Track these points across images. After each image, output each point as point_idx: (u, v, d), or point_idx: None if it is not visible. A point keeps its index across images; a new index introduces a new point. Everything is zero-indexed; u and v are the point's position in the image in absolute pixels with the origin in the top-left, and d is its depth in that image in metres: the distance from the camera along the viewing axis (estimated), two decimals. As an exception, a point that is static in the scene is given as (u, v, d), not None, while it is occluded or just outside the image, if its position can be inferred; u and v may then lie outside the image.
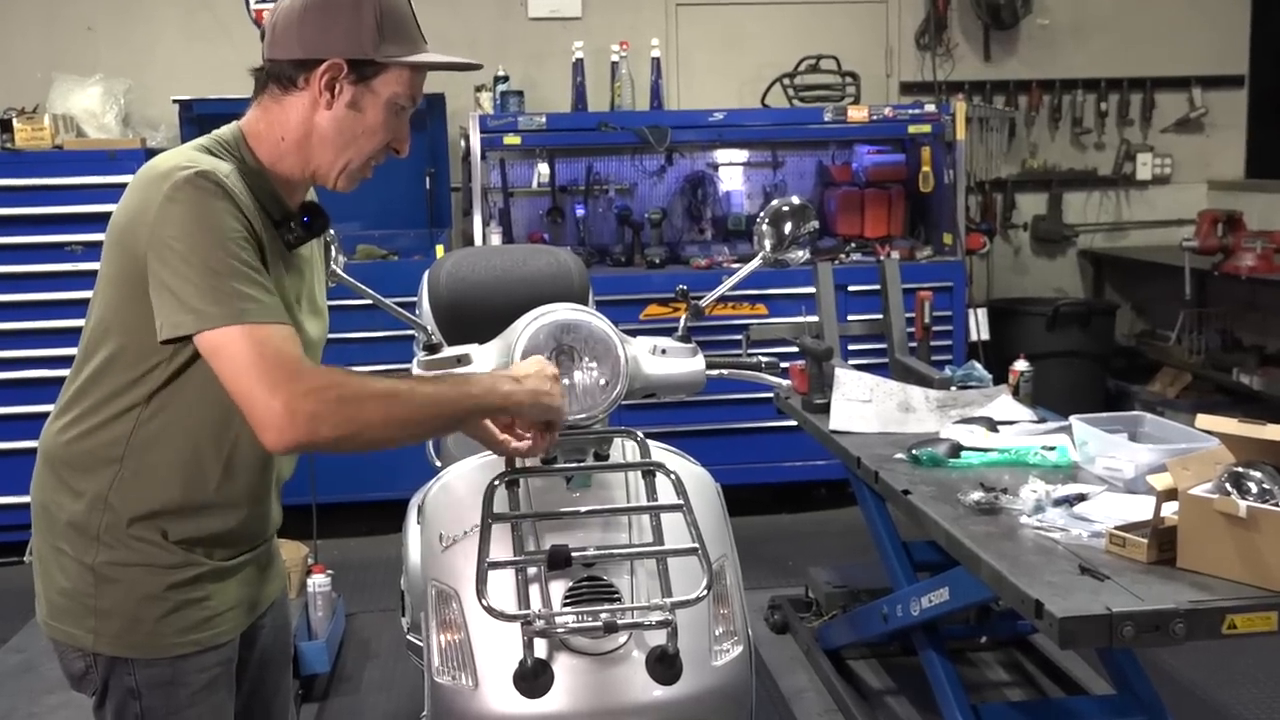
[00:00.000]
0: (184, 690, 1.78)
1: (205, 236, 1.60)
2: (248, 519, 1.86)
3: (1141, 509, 2.38)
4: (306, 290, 1.87)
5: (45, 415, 1.84)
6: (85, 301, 1.78)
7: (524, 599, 1.85)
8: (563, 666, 1.85)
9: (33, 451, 1.85)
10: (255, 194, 1.72)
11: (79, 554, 1.76)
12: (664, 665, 1.84)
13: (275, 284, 1.70)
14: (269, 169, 1.77)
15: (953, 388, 3.57)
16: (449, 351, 2.21)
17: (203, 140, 1.77)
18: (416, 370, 2.18)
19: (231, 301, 1.59)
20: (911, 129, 5.53)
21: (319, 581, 3.89)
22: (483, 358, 2.16)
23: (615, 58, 5.68)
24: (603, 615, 1.82)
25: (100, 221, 5.23)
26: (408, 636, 2.67)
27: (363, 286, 2.31)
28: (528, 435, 1.94)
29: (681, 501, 1.97)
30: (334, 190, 1.82)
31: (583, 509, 2.02)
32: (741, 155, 6.00)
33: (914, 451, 2.97)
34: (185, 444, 1.74)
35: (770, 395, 3.96)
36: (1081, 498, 2.55)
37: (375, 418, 1.63)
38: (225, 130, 1.80)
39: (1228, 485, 2.14)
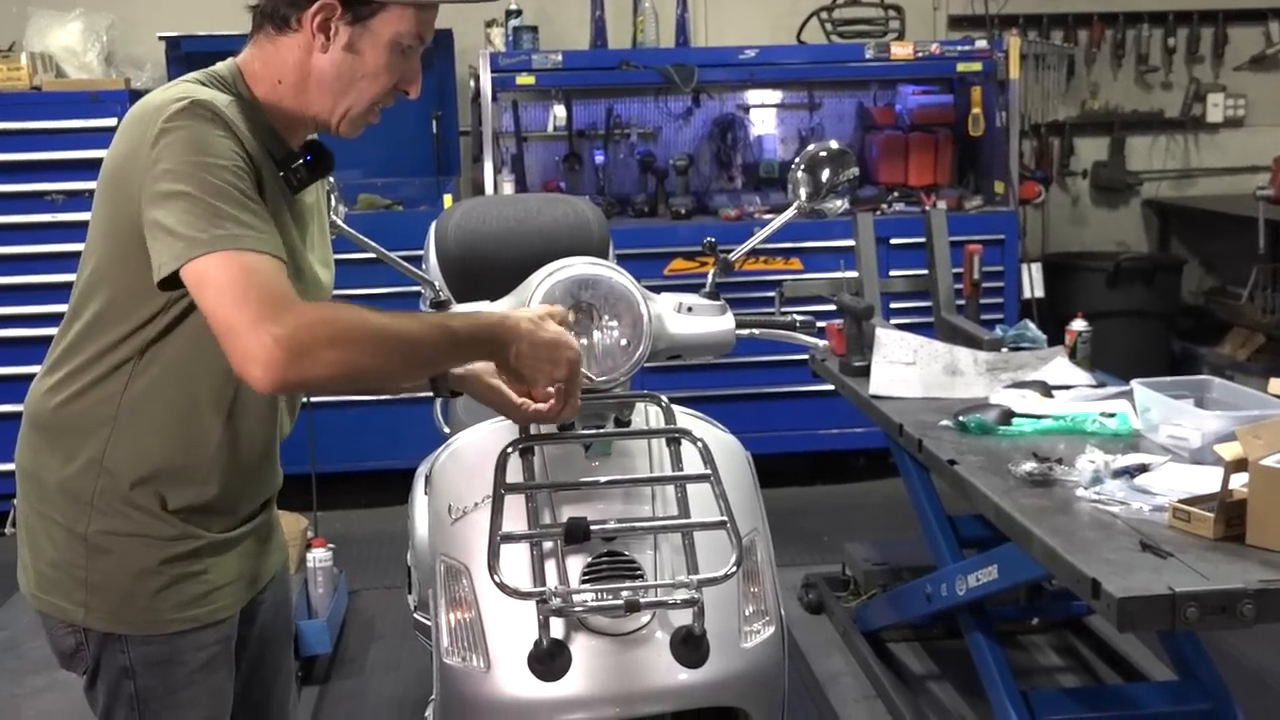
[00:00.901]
0: (181, 669, 1.80)
1: (200, 162, 1.60)
2: (249, 483, 1.88)
3: (1208, 481, 2.37)
4: (311, 237, 1.87)
5: (29, 377, 1.86)
6: (67, 255, 1.80)
7: (539, 575, 1.86)
8: (581, 648, 1.87)
9: (16, 416, 1.87)
10: (255, 130, 1.72)
11: (70, 522, 1.77)
12: (689, 647, 1.84)
13: (277, 224, 1.70)
14: (268, 107, 1.77)
15: (1004, 349, 3.55)
16: (458, 309, 2.21)
17: (197, 74, 1.78)
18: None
19: (225, 226, 1.58)
20: (960, 67, 5.48)
21: (319, 556, 3.92)
22: (494, 316, 2.16)
23: (638, -10, 5.65)
24: (624, 593, 1.83)
25: (82, 168, 5.25)
26: (414, 615, 2.69)
27: (364, 239, 2.31)
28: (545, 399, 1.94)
29: (709, 471, 1.98)
30: (337, 136, 1.82)
31: (602, 479, 2.03)
32: (775, 96, 5.96)
33: (961, 418, 2.96)
34: (182, 399, 1.76)
35: (805, 357, 3.95)
36: (1143, 469, 2.55)
37: (371, 350, 1.61)
38: (221, 66, 1.80)
39: (1303, 455, 2.13)
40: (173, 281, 1.61)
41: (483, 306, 2.17)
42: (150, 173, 1.61)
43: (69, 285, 1.82)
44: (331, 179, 2.04)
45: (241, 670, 1.96)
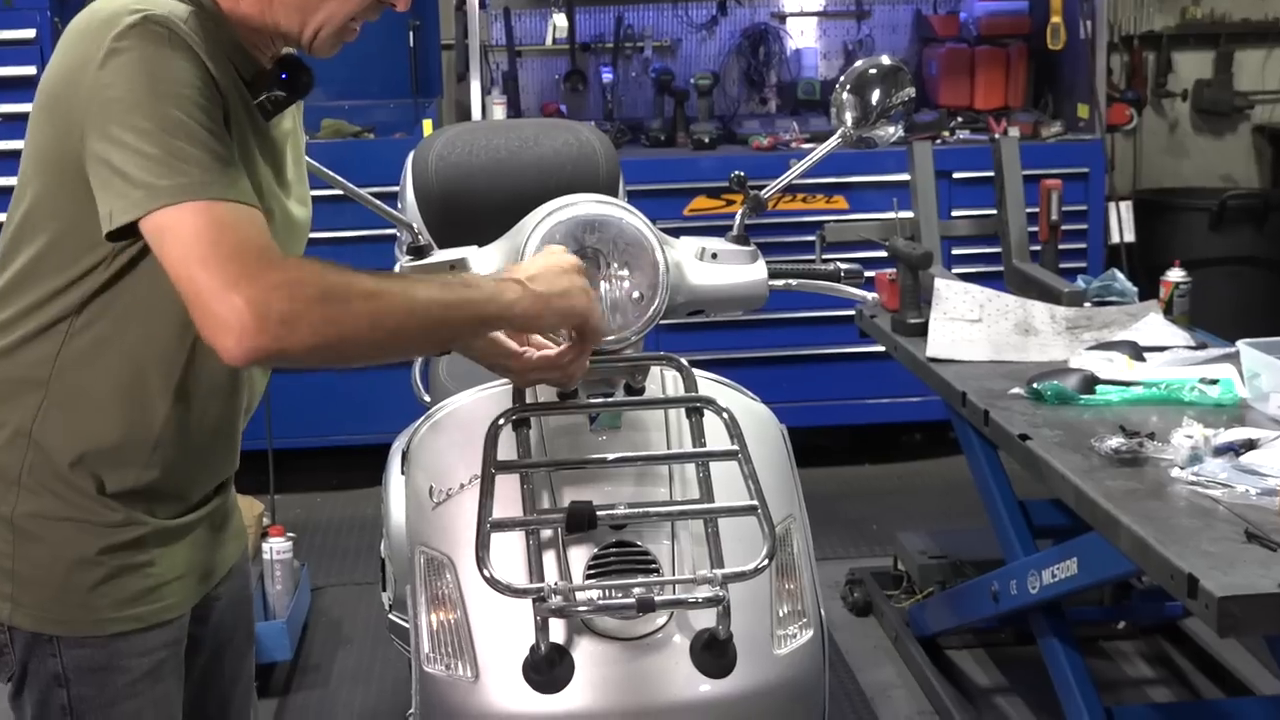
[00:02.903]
0: (122, 677, 1.81)
1: (158, 93, 1.59)
2: (202, 465, 1.89)
3: (1328, 460, 2.37)
4: (285, 171, 1.88)
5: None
6: (-2, 190, 1.79)
7: (536, 569, 1.86)
8: (585, 654, 1.88)
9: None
10: (220, 47, 1.71)
11: None
12: (713, 654, 1.85)
13: (245, 160, 1.70)
14: (233, 20, 1.76)
15: (1086, 304, 3.55)
16: (440, 256, 2.21)
17: None
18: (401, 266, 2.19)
19: (189, 171, 1.58)
20: (1038, -33, 5.45)
21: (277, 547, 3.94)
22: (483, 264, 2.16)
23: (652, -125, 5.63)
24: (635, 590, 1.83)
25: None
26: (389, 616, 2.71)
27: (328, 172, 2.31)
28: (553, 345, 1.95)
29: (736, 447, 1.98)
30: (311, 55, 1.81)
31: (610, 456, 2.03)
32: (816, 2, 5.93)
33: (1035, 385, 2.96)
34: (125, 366, 1.76)
35: (850, 313, 3.95)
36: (1250, 445, 2.55)
37: (362, 321, 1.62)
38: None
39: None
40: (124, 232, 1.61)
41: (470, 253, 2.18)
42: (97, 99, 1.60)
43: None
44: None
45: (194, 678, 1.97)
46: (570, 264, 1.90)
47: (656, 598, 1.82)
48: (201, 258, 1.56)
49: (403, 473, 2.34)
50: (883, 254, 3.66)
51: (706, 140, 5.43)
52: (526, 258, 2.06)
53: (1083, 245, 5.31)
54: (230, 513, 2.05)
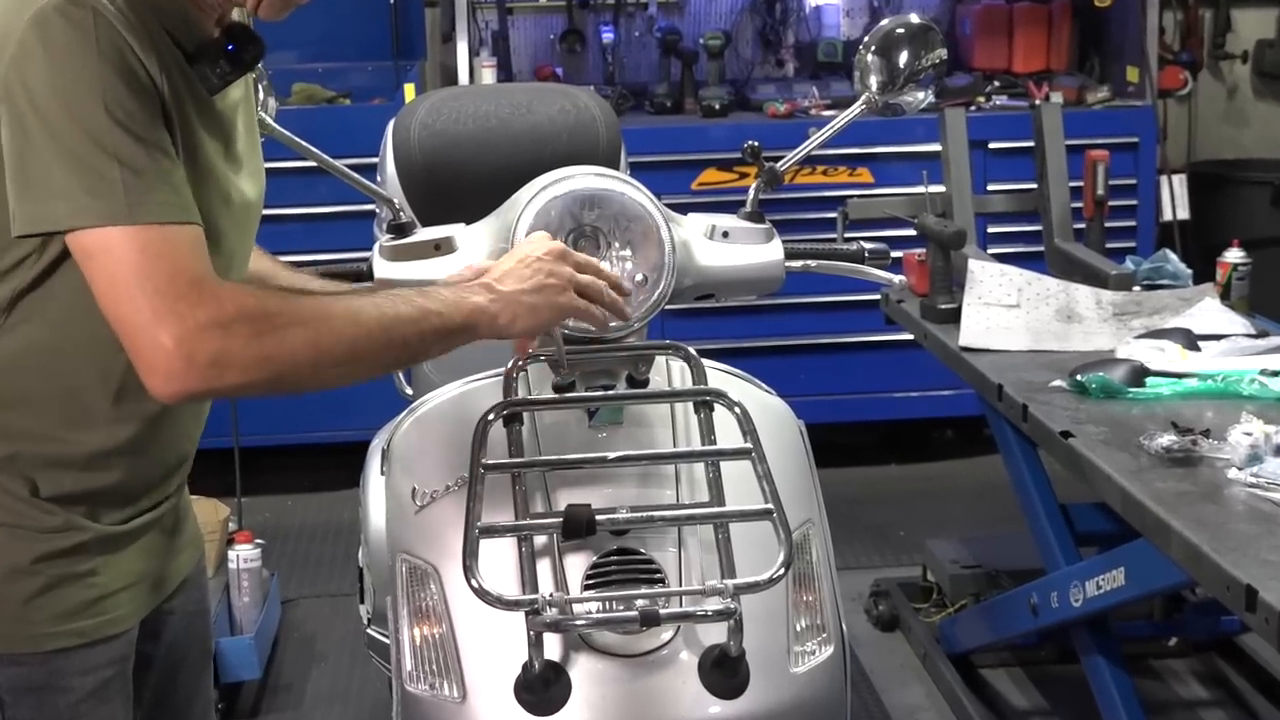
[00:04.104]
0: (63, 698, 1.81)
1: (84, 93, 1.60)
2: (147, 464, 1.88)
3: (1401, 459, 2.38)
4: (236, 147, 1.88)
5: None
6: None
7: (530, 579, 1.87)
8: (583, 672, 1.88)
9: None
10: (159, 17, 1.71)
11: None
12: (724, 672, 1.86)
13: (187, 140, 1.71)
14: None
15: (1135, 287, 3.55)
16: (423, 234, 2.21)
17: None
18: (377, 258, 2.20)
19: (117, 190, 1.60)
20: (1082, -84, 5.45)
21: (244, 555, 3.95)
22: (471, 243, 2.16)
23: None
24: (639, 602, 1.84)
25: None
26: (368, 631, 2.71)
27: (300, 142, 2.31)
28: None
29: (749, 445, 1.98)
30: (258, 18, 1.81)
31: (611, 455, 2.03)
32: (838, -45, 5.94)
33: (1079, 377, 2.97)
34: (61, 367, 1.77)
35: (875, 297, 3.95)
36: (1315, 443, 2.55)
37: (302, 355, 1.67)
38: None
39: None
40: (34, 234, 1.64)
41: (456, 230, 2.18)
42: (14, 85, 1.60)
43: None
44: (260, 65, 2.04)
45: (145, 699, 1.98)
46: (549, 252, 1.90)
47: (661, 610, 1.82)
48: (128, 292, 1.61)
49: (382, 473, 2.35)
50: (911, 232, 3.66)
51: (717, 107, 5.42)
52: (518, 237, 2.06)
53: (1132, 223, 5.31)
54: (184, 516, 2.05)
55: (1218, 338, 3.19)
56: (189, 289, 1.61)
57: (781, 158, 2.36)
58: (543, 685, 1.83)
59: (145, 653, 1.95)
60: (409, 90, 5.09)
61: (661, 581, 1.94)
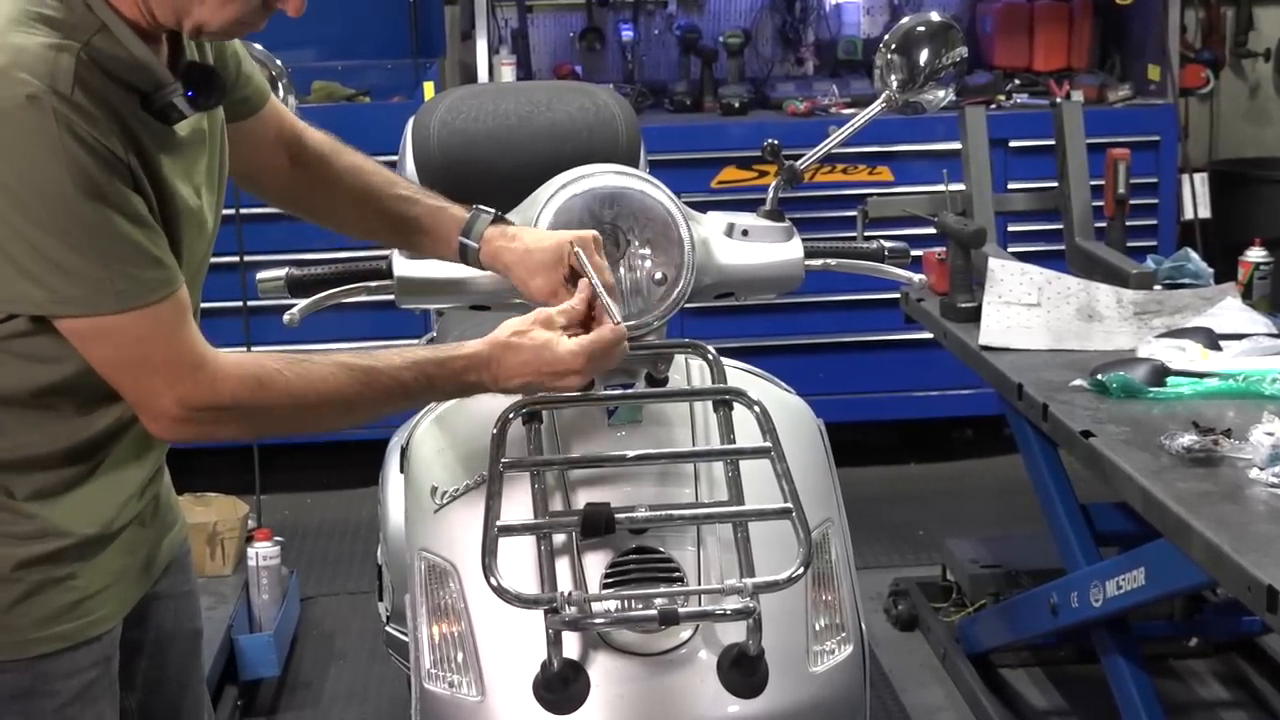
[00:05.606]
0: (49, 702, 1.80)
1: (58, 181, 1.60)
2: (127, 466, 1.88)
3: None
4: (200, 168, 1.85)
5: None
6: None
7: (548, 578, 1.87)
8: (601, 671, 1.88)
9: None
10: (112, 74, 1.67)
11: None
12: (743, 671, 1.86)
13: (162, 195, 1.72)
14: (126, 18, 1.70)
15: (1157, 286, 3.54)
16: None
17: (21, 2, 1.67)
18: (397, 257, 2.20)
19: (99, 281, 1.63)
20: (1104, -87, 5.44)
21: (264, 552, 3.95)
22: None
23: None
24: (658, 601, 1.84)
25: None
26: (387, 629, 2.72)
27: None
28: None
29: (768, 444, 1.98)
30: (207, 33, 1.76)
31: (630, 453, 2.04)
32: (858, -47, 5.92)
33: (1100, 377, 2.96)
34: (35, 378, 1.75)
35: (895, 296, 3.94)
36: (1338, 444, 2.54)
37: (292, 429, 1.88)
38: None
39: None
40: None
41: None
42: None
43: None
44: (279, 62, 2.04)
45: (137, 685, 1.98)
46: (568, 369, 1.91)
47: (680, 609, 1.83)
48: (131, 374, 1.73)
49: (402, 471, 2.35)
50: (931, 231, 3.65)
51: (737, 105, 5.42)
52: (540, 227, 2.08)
53: (1153, 222, 5.29)
54: (163, 504, 2.03)
55: (1239, 337, 3.18)
56: (188, 374, 1.72)
57: (801, 156, 2.36)
58: (561, 684, 1.84)
59: (134, 639, 1.95)
60: (428, 88, 5.09)
61: (680, 580, 1.94)
